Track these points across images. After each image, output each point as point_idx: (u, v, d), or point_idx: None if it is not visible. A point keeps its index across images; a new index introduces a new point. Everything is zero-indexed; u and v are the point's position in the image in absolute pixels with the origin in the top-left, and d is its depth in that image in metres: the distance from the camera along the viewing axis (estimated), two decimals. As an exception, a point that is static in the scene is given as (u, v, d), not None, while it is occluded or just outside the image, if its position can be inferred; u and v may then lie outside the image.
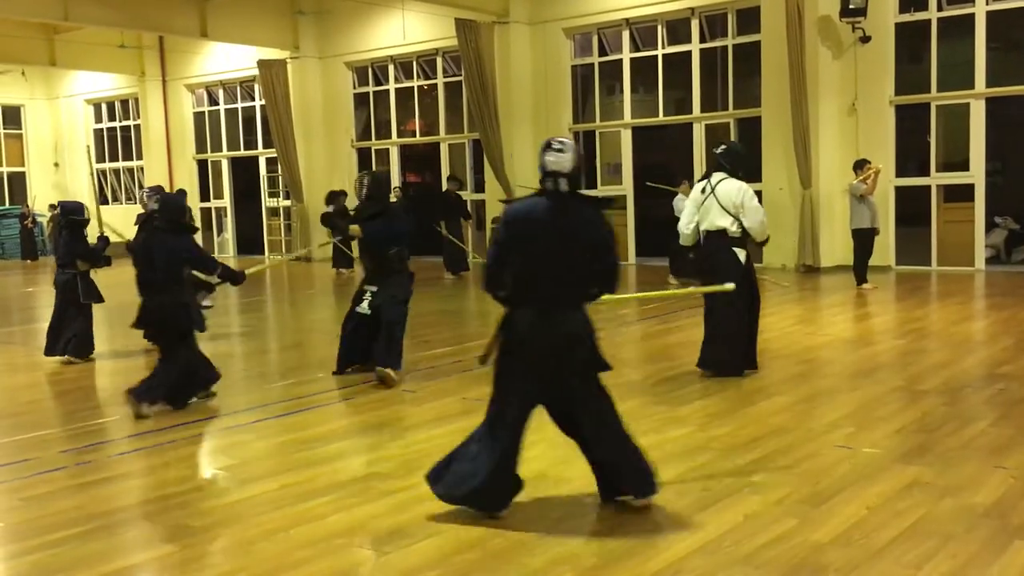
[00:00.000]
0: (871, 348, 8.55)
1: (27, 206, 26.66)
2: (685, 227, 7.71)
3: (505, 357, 4.58)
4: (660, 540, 4.15)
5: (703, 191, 7.55)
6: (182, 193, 11.48)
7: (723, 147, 7.80)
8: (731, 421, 6.15)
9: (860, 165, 13.01)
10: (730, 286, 5.37)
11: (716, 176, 7.55)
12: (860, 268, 12.97)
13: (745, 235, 7.44)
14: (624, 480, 4.59)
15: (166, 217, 7.20)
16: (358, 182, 8.02)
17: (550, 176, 4.42)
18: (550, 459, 5.43)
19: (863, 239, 12.94)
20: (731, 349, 7.45)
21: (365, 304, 7.81)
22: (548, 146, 4.44)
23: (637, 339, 9.94)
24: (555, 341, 4.44)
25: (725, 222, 7.39)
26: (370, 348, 7.81)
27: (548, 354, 4.46)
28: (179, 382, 6.98)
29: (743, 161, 7.67)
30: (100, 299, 9.50)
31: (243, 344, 10.81)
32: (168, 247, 7.05)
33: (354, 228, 7.90)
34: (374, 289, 7.82)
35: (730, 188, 7.40)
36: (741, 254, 7.42)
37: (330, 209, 13.26)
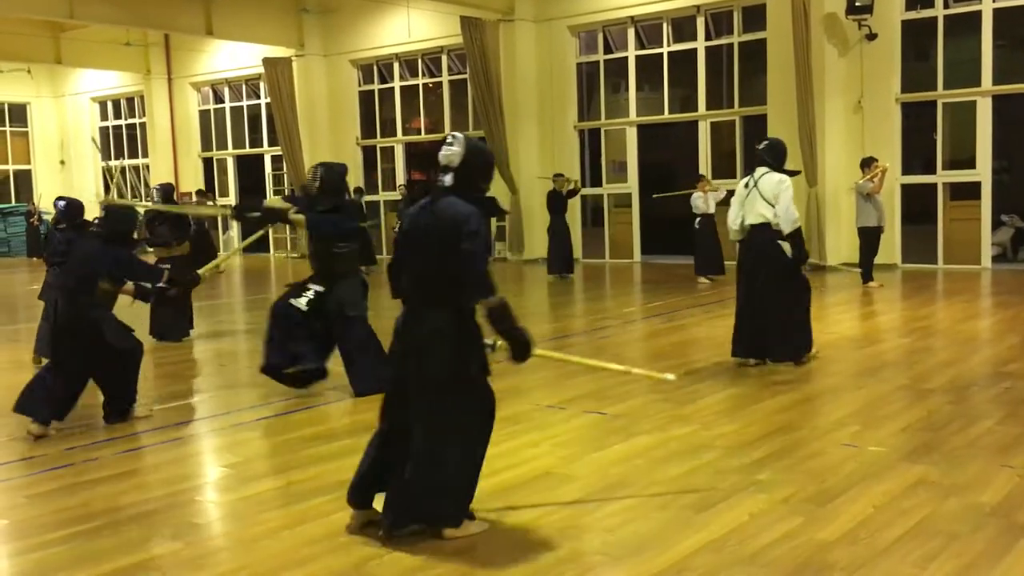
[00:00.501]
0: (877, 346, 8.53)
1: (33, 204, 26.72)
2: (733, 223, 7.94)
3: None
4: (665, 538, 4.14)
5: (746, 185, 7.82)
6: (166, 188, 11.29)
7: (765, 143, 8.01)
8: (736, 419, 6.14)
9: (867, 163, 12.98)
10: (671, 376, 5.24)
11: (759, 171, 7.80)
12: (866, 266, 12.94)
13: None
14: (398, 501, 4.21)
15: (110, 227, 6.62)
16: (311, 173, 7.35)
17: (440, 170, 4.27)
18: (555, 458, 5.43)
19: (869, 237, 12.91)
20: (805, 335, 7.76)
21: (304, 301, 7.11)
22: (443, 140, 4.30)
23: (641, 337, 9.93)
24: (415, 340, 4.23)
25: (768, 213, 7.66)
26: (304, 351, 7.06)
27: (409, 352, 4.25)
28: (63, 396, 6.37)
29: (785, 156, 7.94)
30: None
31: (247, 341, 10.81)
32: (89, 254, 6.59)
33: (297, 218, 7.13)
34: (319, 290, 7.13)
35: (771, 180, 7.68)
36: (786, 246, 7.65)
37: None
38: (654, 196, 15.57)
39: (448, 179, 4.22)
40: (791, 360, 7.69)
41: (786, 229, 7.65)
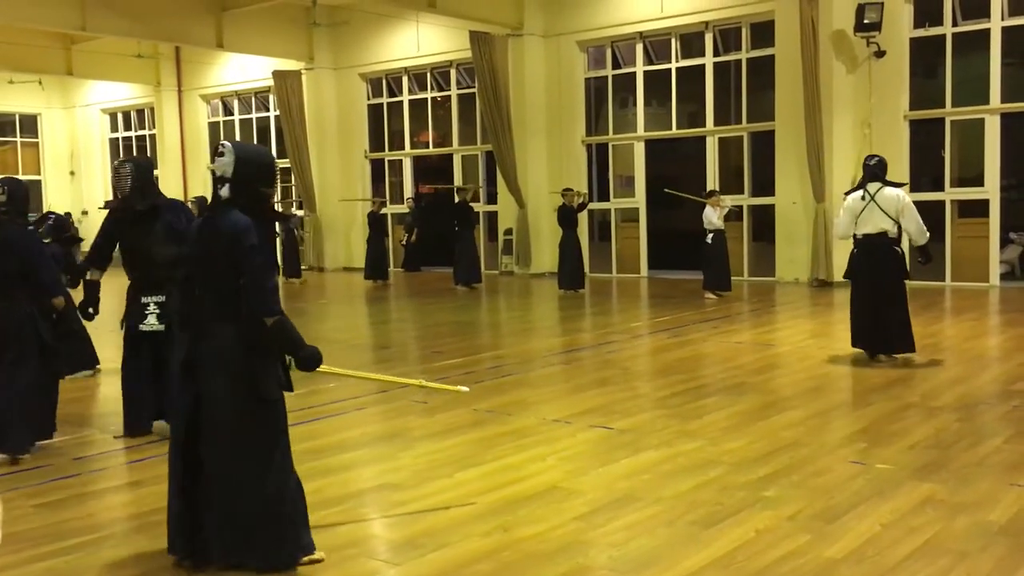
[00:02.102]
0: (884, 364, 8.50)
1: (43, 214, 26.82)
2: (845, 235, 8.75)
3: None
4: (672, 554, 4.13)
5: (862, 198, 8.48)
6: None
7: (876, 159, 8.75)
8: (743, 435, 6.12)
9: None
10: (464, 388, 5.34)
11: (873, 185, 8.49)
12: None
13: (900, 236, 8.60)
14: (235, 543, 4.01)
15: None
16: (114, 173, 6.63)
17: (217, 182, 4.12)
18: (562, 471, 5.42)
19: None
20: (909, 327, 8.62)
21: (153, 319, 6.54)
22: (214, 150, 4.16)
23: (648, 352, 9.92)
24: (199, 356, 4.06)
25: (887, 225, 8.44)
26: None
27: (192, 368, 4.07)
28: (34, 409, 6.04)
29: (887, 170, 8.74)
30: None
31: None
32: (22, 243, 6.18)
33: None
34: (159, 299, 6.50)
35: (890, 195, 8.45)
36: (898, 251, 8.63)
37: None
38: (666, 190, 15.51)
39: (225, 190, 4.07)
40: (912, 351, 8.53)
41: (921, 241, 8.60)
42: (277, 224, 4.31)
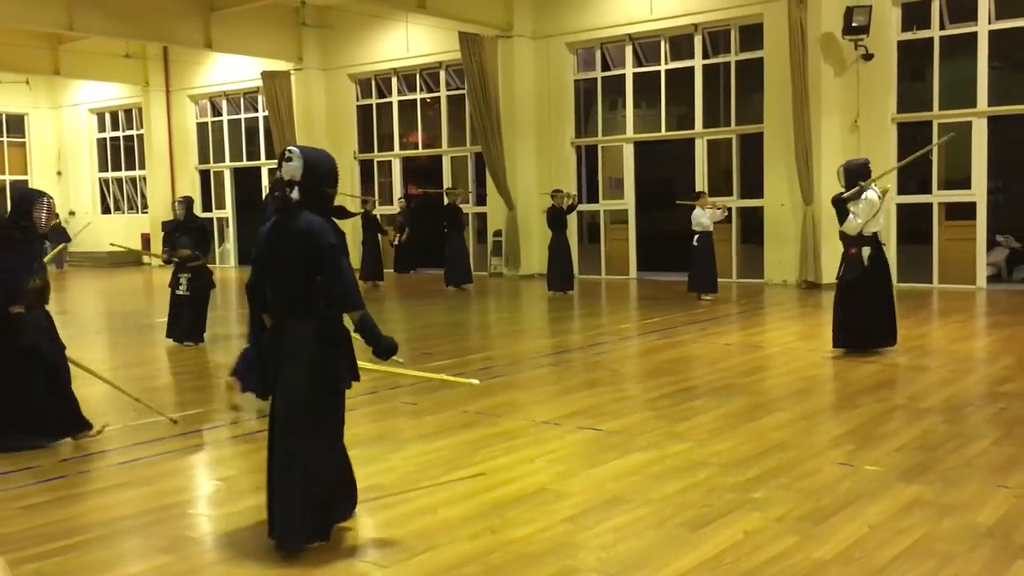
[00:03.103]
0: (872, 365, 8.53)
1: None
2: (860, 228, 8.88)
3: None
4: (661, 556, 4.13)
5: (879, 197, 8.86)
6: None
7: (866, 160, 9.40)
8: (732, 437, 6.13)
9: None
10: (475, 381, 5.79)
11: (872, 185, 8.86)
12: None
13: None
14: (274, 518, 4.30)
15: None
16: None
17: (286, 186, 4.35)
18: (551, 473, 5.42)
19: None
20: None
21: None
22: (281, 155, 4.39)
23: (637, 354, 9.93)
24: (281, 351, 4.33)
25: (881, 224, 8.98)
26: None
27: (277, 364, 4.34)
28: None
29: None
30: None
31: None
32: None
33: None
34: None
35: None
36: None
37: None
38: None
39: (295, 193, 4.31)
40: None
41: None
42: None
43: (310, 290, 4.27)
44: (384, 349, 4.39)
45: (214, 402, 7.80)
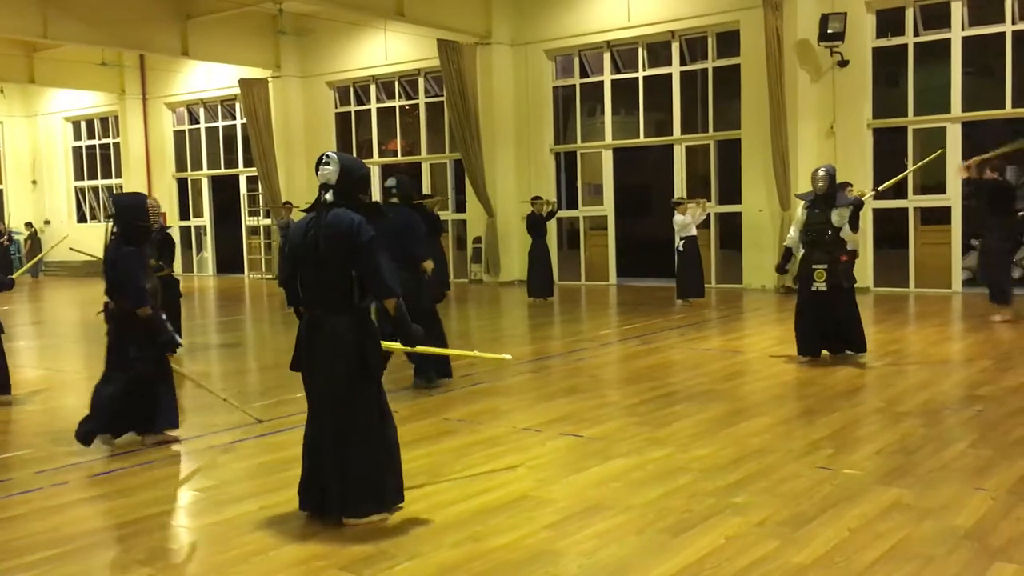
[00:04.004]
0: (850, 369, 8.58)
1: (3, 224, 26.45)
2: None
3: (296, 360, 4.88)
4: (642, 562, 4.14)
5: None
6: None
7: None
8: (712, 442, 6.15)
9: (842, 187, 13.00)
10: (508, 356, 6.15)
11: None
12: None
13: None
14: (332, 499, 4.69)
15: None
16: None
17: (321, 188, 4.69)
18: (532, 480, 5.41)
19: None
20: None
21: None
22: (319, 160, 4.71)
23: (617, 360, 9.95)
24: (317, 343, 4.66)
25: None
26: None
27: (314, 355, 4.69)
28: None
29: None
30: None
31: (222, 363, 10.74)
32: None
33: None
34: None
35: None
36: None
37: None
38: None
39: (329, 195, 4.65)
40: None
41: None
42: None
43: (348, 284, 4.59)
44: (413, 336, 4.86)
45: (190, 411, 7.74)
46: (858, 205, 8.95)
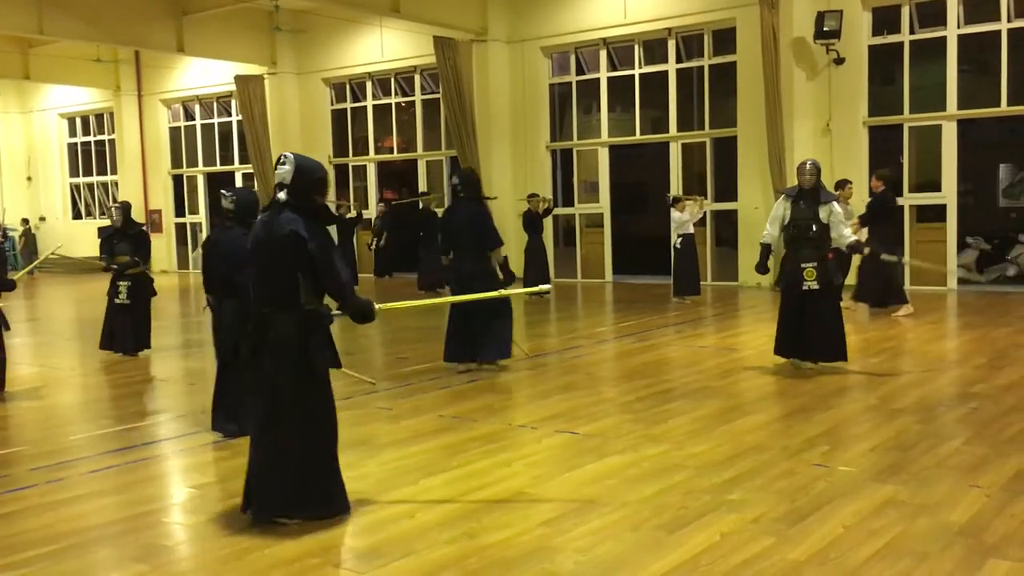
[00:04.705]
0: (845, 367, 8.59)
1: (-2, 221, 26.40)
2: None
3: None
4: (638, 559, 4.14)
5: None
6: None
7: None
8: (707, 439, 6.16)
9: (841, 185, 12.99)
10: (547, 287, 5.87)
11: None
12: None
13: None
14: (255, 495, 4.70)
15: None
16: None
17: (276, 187, 4.72)
18: (527, 477, 5.42)
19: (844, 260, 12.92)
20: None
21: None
22: (276, 160, 4.76)
23: (613, 357, 9.95)
24: (264, 342, 4.68)
25: None
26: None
27: (260, 354, 4.70)
28: None
29: None
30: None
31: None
32: None
33: None
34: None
35: None
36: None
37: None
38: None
39: (283, 195, 4.67)
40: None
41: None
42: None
43: (294, 285, 4.60)
44: (358, 313, 4.77)
45: (183, 408, 7.74)
46: (855, 248, 8.71)
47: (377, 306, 4.85)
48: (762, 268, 8.94)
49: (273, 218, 4.67)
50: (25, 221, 27.57)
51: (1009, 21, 14.47)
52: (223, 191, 6.90)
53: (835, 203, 8.46)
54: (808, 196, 8.41)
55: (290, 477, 4.64)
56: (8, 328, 8.36)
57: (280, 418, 4.65)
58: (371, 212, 20.78)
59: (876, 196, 12.12)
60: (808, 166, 8.47)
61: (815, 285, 8.29)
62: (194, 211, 25.33)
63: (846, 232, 8.47)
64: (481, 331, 8.71)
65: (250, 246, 4.80)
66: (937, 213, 15.19)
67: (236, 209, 6.63)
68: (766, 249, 8.83)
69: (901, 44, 15.29)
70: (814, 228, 8.34)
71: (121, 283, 10.19)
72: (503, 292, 6.13)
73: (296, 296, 4.63)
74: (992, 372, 8.20)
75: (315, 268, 4.58)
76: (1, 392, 8.32)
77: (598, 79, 18.50)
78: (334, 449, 4.81)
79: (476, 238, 8.68)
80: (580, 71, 18.84)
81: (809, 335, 8.37)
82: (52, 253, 11.86)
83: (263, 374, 4.70)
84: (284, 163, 4.69)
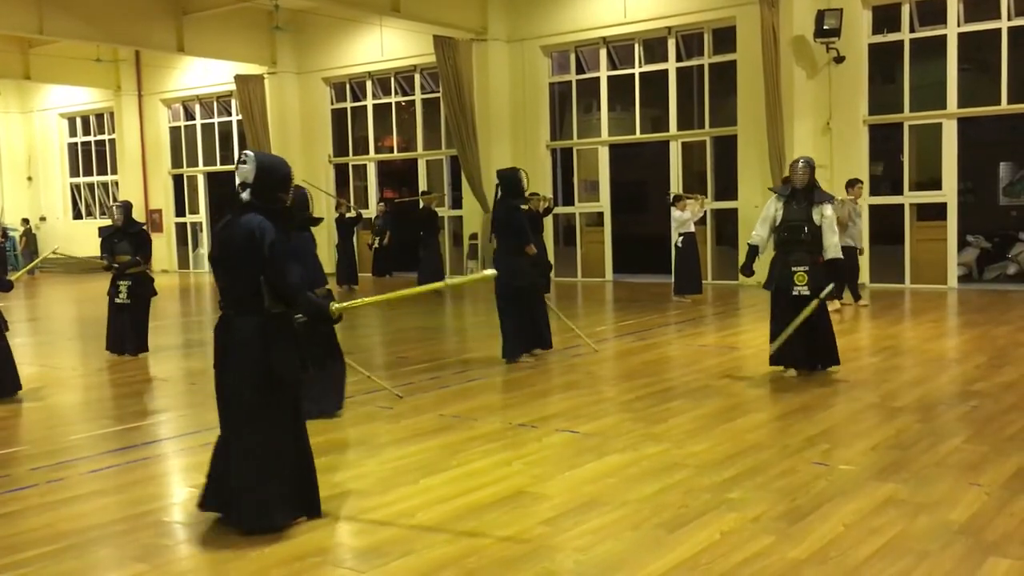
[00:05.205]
0: (846, 365, 8.58)
1: (-2, 220, 26.43)
2: None
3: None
4: (638, 558, 4.14)
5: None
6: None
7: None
8: (708, 438, 6.15)
9: (852, 184, 12.98)
10: (492, 272, 5.38)
11: None
12: (852, 286, 12.94)
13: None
14: (232, 504, 4.61)
15: None
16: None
17: (238, 187, 4.63)
18: (528, 476, 5.41)
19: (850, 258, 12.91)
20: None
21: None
22: (237, 158, 4.67)
23: (613, 356, 9.95)
24: (227, 345, 4.62)
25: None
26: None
27: (224, 357, 4.64)
28: None
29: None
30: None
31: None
32: None
33: None
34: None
35: None
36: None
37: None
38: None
39: (246, 195, 4.58)
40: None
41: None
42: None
43: (256, 287, 4.51)
44: (317, 315, 4.74)
45: (184, 408, 7.74)
46: (830, 265, 7.97)
47: (334, 306, 4.73)
48: (747, 270, 8.50)
49: (235, 219, 4.57)
50: (25, 221, 27.58)
51: (1009, 19, 14.48)
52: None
53: (829, 205, 7.97)
54: (801, 196, 7.94)
55: (262, 484, 4.54)
56: (7, 328, 8.35)
57: (242, 424, 4.56)
58: (371, 212, 20.77)
59: None
60: (800, 164, 8.01)
61: (806, 291, 7.86)
62: (194, 211, 25.34)
63: (835, 241, 7.91)
64: (503, 334, 9.38)
65: (214, 249, 4.71)
66: (937, 211, 15.19)
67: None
68: (753, 250, 8.36)
69: (901, 42, 15.29)
70: (806, 230, 7.90)
71: (121, 283, 10.21)
72: (441, 284, 5.82)
73: (259, 299, 4.52)
74: (992, 370, 8.19)
75: (263, 268, 4.47)
76: (18, 390, 8.29)
77: (598, 78, 18.50)
78: (303, 455, 4.71)
79: (514, 235, 9.38)
80: (580, 70, 18.84)
81: (804, 342, 7.94)
82: (52, 253, 11.82)
83: (225, 378, 4.63)
84: (245, 162, 4.59)
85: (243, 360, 4.53)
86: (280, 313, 4.58)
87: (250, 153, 4.63)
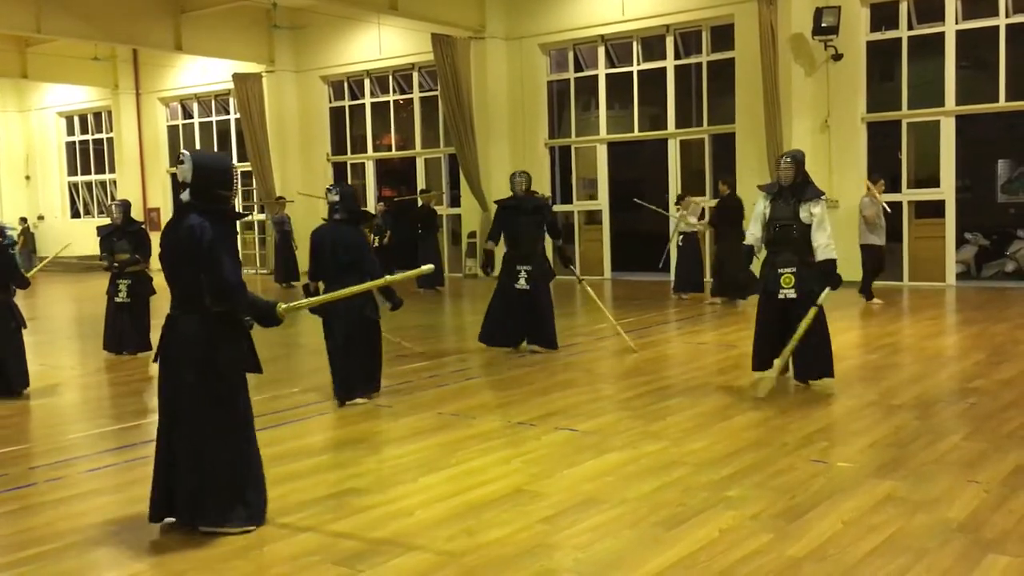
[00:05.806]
0: (844, 363, 8.58)
1: (-3, 220, 26.38)
2: None
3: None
4: (637, 555, 4.14)
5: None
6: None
7: None
8: (706, 436, 6.16)
9: (873, 180, 12.96)
10: (429, 266, 5.40)
11: None
12: (867, 283, 12.96)
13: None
14: (198, 508, 4.54)
15: None
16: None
17: (181, 187, 4.64)
18: (526, 475, 5.42)
19: (872, 254, 12.94)
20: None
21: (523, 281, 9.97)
22: (176, 158, 4.70)
23: (611, 354, 9.95)
24: (172, 342, 4.63)
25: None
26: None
27: (168, 355, 4.64)
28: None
29: None
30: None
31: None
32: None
33: None
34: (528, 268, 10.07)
35: None
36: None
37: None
38: (635, 200, 15.46)
39: (186, 195, 4.60)
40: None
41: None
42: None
43: (198, 287, 4.52)
44: (261, 316, 4.70)
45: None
46: (823, 267, 7.36)
47: (281, 306, 4.68)
48: (744, 272, 8.15)
49: (178, 220, 4.60)
50: (23, 220, 27.55)
51: (1007, 17, 14.48)
52: (328, 187, 7.67)
53: (817, 202, 7.42)
54: (789, 193, 7.46)
55: (209, 485, 4.52)
56: (25, 326, 8.45)
57: (185, 424, 4.55)
58: (369, 209, 20.75)
59: (722, 199, 12.82)
60: (785, 160, 7.58)
61: (792, 293, 7.38)
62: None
63: (824, 241, 7.34)
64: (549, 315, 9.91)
65: (160, 249, 4.72)
66: (936, 209, 15.19)
67: (341, 201, 7.40)
68: (748, 251, 7.81)
69: (899, 40, 15.29)
70: (795, 229, 7.39)
71: (121, 281, 10.22)
72: (382, 281, 5.73)
73: (202, 298, 4.53)
74: (991, 367, 8.20)
75: (203, 265, 4.47)
76: (26, 388, 8.29)
77: (596, 76, 18.49)
78: (251, 458, 4.69)
79: (539, 228, 10.17)
80: (578, 68, 18.83)
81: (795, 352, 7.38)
82: (61, 251, 11.81)
83: (167, 377, 4.62)
84: (183, 161, 4.59)
85: (186, 359, 4.53)
86: (224, 312, 4.55)
87: (187, 152, 4.61)
